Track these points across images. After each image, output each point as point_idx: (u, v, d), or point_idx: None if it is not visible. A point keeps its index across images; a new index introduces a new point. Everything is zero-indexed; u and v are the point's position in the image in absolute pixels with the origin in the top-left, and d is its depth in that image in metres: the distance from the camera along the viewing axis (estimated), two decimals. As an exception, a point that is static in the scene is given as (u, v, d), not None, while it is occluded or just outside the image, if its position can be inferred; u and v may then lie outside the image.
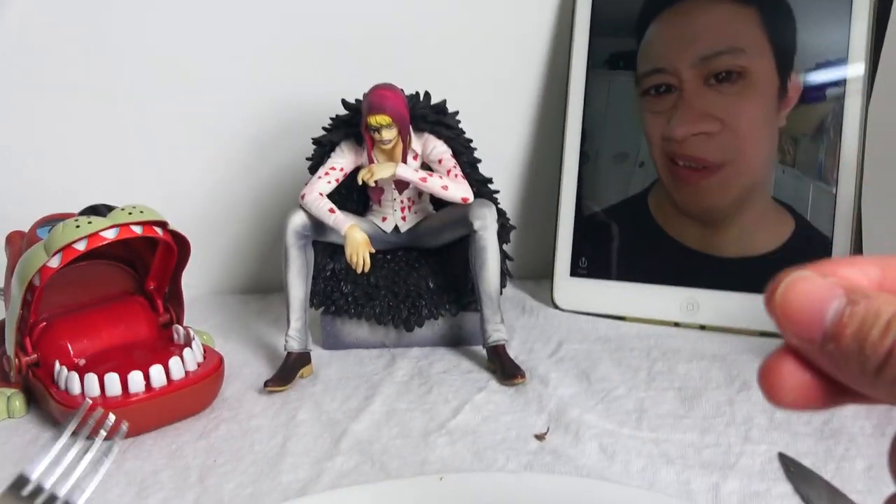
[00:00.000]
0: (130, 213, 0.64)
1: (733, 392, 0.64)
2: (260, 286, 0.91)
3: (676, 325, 0.77)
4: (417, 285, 0.73)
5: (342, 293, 0.73)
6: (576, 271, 0.81)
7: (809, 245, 0.73)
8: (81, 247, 0.62)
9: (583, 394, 0.65)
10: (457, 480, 0.53)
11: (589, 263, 0.80)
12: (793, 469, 0.51)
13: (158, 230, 0.66)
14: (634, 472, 0.54)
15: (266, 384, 0.67)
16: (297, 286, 0.69)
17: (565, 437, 0.59)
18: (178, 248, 0.69)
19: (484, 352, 0.71)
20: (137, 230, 0.64)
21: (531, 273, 0.89)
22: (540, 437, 0.59)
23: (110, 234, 0.63)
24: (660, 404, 0.63)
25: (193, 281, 0.90)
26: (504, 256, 0.74)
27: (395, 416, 0.63)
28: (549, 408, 0.63)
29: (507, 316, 0.80)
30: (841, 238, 0.72)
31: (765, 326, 0.74)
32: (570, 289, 0.81)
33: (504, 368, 0.68)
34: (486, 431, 0.60)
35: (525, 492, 0.52)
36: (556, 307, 0.82)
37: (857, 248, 0.75)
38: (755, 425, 0.59)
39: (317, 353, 0.74)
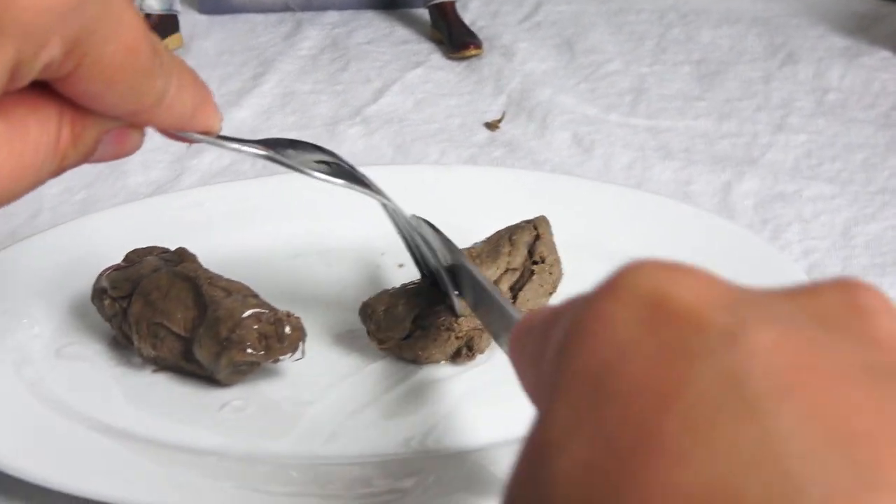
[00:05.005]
0: None
1: (774, 67, 0.57)
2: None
3: (709, -22, 0.72)
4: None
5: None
6: None
7: None
8: None
9: (560, 70, 0.58)
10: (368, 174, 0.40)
11: None
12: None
13: None
14: (617, 170, 0.47)
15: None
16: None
17: (528, 126, 0.52)
18: None
19: (426, 14, 0.63)
20: None
21: None
22: (492, 126, 0.52)
23: None
24: (667, 83, 0.56)
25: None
26: None
27: (293, 101, 0.56)
28: (510, 88, 0.56)
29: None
30: None
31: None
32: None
33: (452, 36, 0.60)
34: (418, 119, 0.53)
35: (453, 187, 0.38)
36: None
37: None
38: (795, 109, 0.53)
39: (190, 19, 0.66)
